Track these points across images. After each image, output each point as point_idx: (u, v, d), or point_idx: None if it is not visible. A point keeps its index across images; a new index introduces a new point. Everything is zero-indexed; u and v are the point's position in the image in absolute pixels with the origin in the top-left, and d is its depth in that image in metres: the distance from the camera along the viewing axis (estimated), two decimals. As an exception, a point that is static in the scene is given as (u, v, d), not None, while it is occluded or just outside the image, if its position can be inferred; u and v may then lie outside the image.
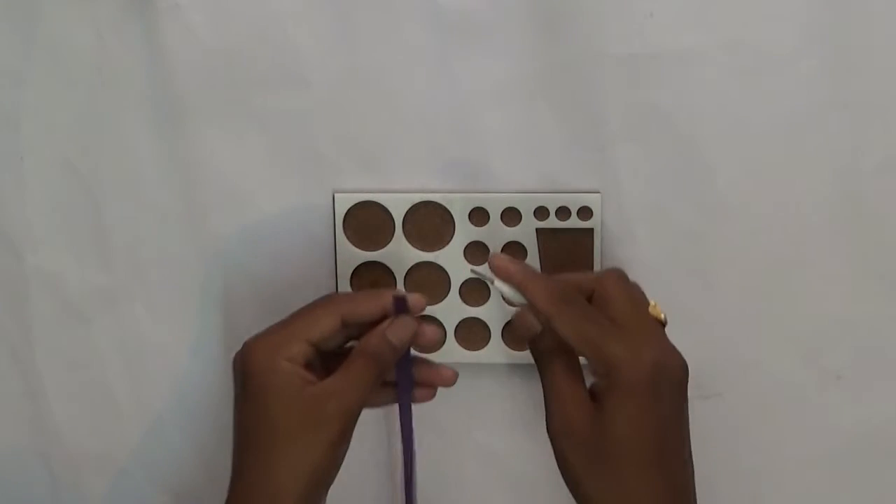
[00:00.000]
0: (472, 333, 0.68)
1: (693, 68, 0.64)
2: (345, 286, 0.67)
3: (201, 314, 0.69)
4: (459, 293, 0.67)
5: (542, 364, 0.58)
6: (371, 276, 0.68)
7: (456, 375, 0.62)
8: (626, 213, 0.66)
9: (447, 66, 0.65)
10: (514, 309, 0.59)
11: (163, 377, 0.70)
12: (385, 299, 0.59)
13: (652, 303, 0.58)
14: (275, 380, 0.57)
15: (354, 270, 0.67)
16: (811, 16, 0.63)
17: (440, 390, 0.64)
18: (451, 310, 0.68)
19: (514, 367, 0.68)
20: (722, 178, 0.66)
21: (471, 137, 0.66)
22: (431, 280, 0.67)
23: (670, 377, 0.55)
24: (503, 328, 0.67)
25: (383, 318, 0.59)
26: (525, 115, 0.65)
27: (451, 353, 0.67)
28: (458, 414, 0.70)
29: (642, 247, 0.66)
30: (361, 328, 0.59)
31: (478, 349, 0.68)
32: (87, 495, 0.72)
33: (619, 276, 0.59)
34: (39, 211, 0.68)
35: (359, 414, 0.58)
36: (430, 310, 0.66)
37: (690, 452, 0.57)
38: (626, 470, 0.54)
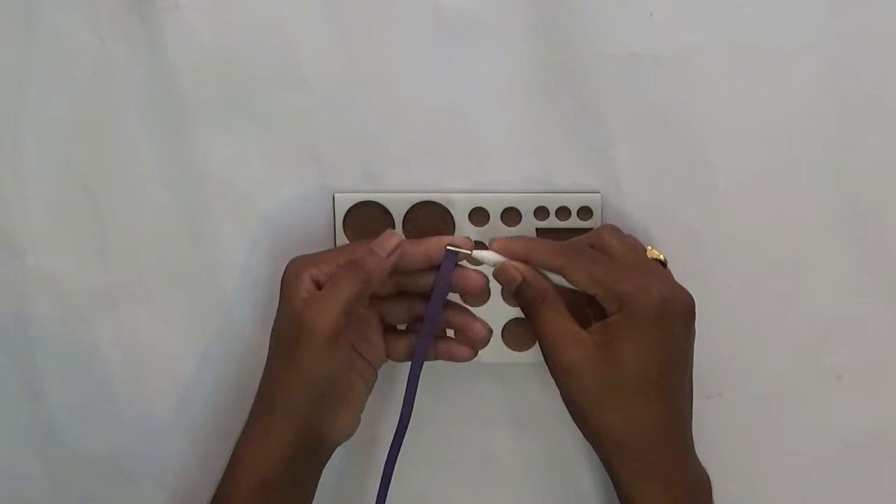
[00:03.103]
0: (472, 333, 0.68)
1: (693, 68, 0.64)
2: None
3: (201, 314, 0.69)
4: (460, 293, 0.67)
5: (530, 311, 0.60)
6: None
7: (488, 334, 0.63)
8: (626, 213, 0.66)
9: (447, 66, 0.65)
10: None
11: (163, 377, 0.70)
12: (429, 246, 0.60)
13: (648, 248, 0.62)
14: (294, 292, 0.60)
15: (354, 270, 0.67)
16: (811, 16, 0.63)
17: (440, 390, 0.64)
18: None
19: (514, 367, 0.68)
20: (722, 178, 0.66)
21: (471, 137, 0.66)
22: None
23: (678, 310, 0.58)
24: (503, 328, 0.67)
25: (431, 267, 0.60)
26: (525, 115, 0.65)
27: (451, 353, 0.67)
28: (458, 414, 0.70)
29: (642, 247, 0.66)
30: (409, 276, 0.61)
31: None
32: (87, 495, 0.72)
33: (613, 228, 0.63)
34: (39, 211, 0.68)
35: (340, 323, 0.58)
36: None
37: (691, 380, 0.60)
38: (634, 399, 0.57)
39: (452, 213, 0.66)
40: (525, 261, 0.60)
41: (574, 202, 0.66)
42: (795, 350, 0.68)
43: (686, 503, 0.59)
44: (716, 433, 0.66)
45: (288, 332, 0.59)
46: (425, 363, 0.62)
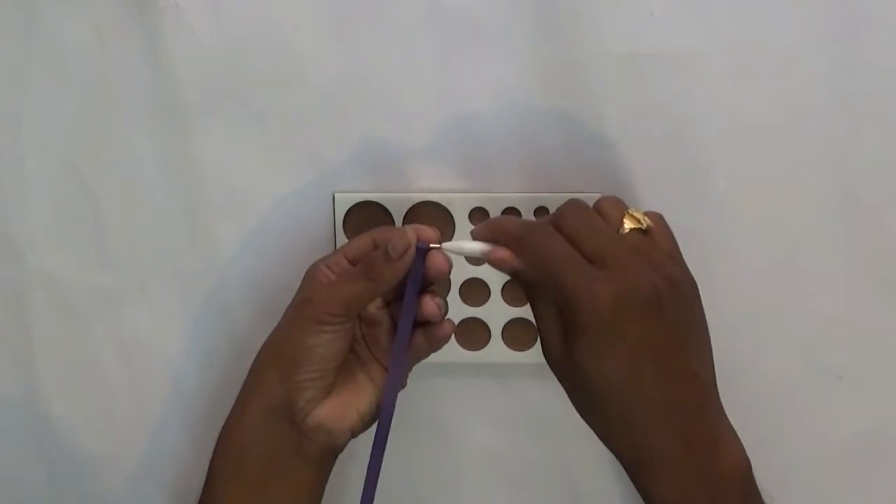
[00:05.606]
0: (472, 333, 0.68)
1: (693, 68, 0.64)
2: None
3: (201, 315, 0.69)
4: (460, 293, 0.67)
5: (528, 297, 0.56)
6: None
7: (448, 321, 0.61)
8: (626, 213, 0.66)
9: (447, 66, 0.65)
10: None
11: (163, 377, 0.70)
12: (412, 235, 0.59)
13: (626, 213, 0.55)
14: (309, 279, 0.60)
15: (354, 270, 0.67)
16: (811, 16, 0.63)
17: (440, 390, 0.64)
18: (451, 310, 0.67)
19: (514, 367, 0.68)
20: (722, 177, 0.66)
21: (471, 137, 0.66)
22: (431, 280, 0.67)
23: (635, 301, 0.52)
24: (503, 328, 0.67)
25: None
26: (525, 116, 0.66)
27: (451, 353, 0.67)
28: (458, 414, 0.70)
29: (642, 247, 0.66)
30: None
31: (478, 349, 0.68)
32: (87, 495, 0.72)
33: (576, 206, 0.56)
34: (39, 211, 0.68)
35: (332, 309, 0.58)
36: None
37: (704, 362, 0.56)
38: (608, 401, 0.53)
39: (452, 213, 0.66)
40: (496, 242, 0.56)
41: (574, 202, 0.66)
42: (795, 350, 0.68)
43: (707, 500, 0.56)
44: (716, 433, 0.66)
45: (295, 302, 0.60)
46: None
